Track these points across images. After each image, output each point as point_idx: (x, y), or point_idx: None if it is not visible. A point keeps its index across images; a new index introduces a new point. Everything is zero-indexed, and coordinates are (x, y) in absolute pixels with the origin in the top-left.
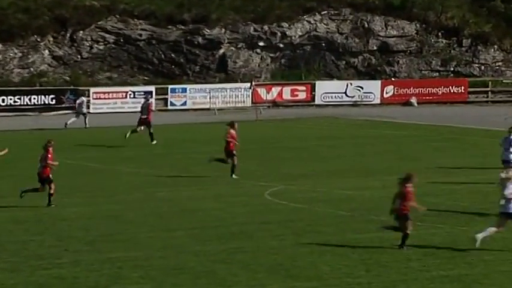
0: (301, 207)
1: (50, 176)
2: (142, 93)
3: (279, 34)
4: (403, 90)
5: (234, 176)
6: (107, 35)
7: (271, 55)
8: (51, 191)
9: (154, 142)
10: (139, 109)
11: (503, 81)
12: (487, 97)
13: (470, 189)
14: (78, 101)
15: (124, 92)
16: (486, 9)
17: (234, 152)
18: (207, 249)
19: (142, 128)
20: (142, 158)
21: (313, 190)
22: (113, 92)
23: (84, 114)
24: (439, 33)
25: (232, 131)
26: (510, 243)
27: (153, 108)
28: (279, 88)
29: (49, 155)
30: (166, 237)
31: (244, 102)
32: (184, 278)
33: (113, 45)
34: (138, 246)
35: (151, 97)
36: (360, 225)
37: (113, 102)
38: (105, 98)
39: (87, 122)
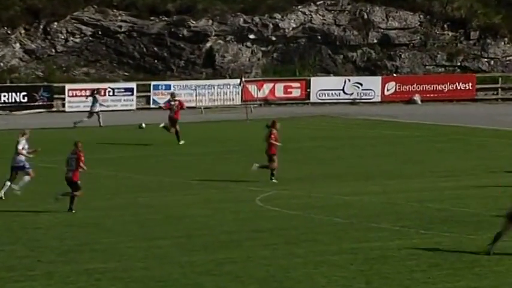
0: (295, 214)
1: (79, 182)
2: (123, 90)
3: (271, 26)
4: (405, 87)
5: (274, 180)
6: (83, 27)
7: (263, 49)
8: (78, 193)
9: (182, 142)
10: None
11: None
12: (497, 94)
13: (479, 194)
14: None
15: (102, 88)
16: None
17: (276, 155)
18: (192, 260)
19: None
20: (122, 160)
21: (308, 195)
22: (90, 89)
23: (97, 113)
24: (445, 25)
25: (275, 132)
26: None
27: (184, 106)
28: (271, 85)
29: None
30: (148, 246)
31: (233, 100)
32: None
33: (90, 38)
34: (118, 257)
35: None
36: (358, 233)
37: (90, 100)
38: (82, 96)
39: (101, 121)
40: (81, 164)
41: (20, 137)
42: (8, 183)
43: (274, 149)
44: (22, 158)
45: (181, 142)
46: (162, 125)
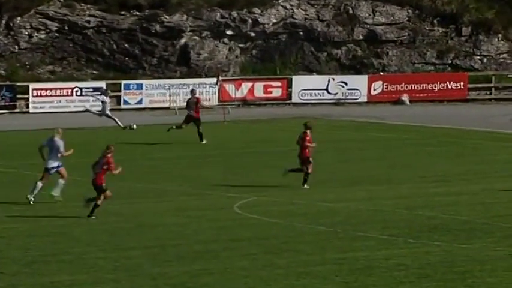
0: (275, 222)
1: (103, 184)
2: (91, 89)
3: (249, 21)
4: (393, 87)
5: (306, 186)
6: (48, 22)
7: (241, 46)
8: (98, 202)
9: (204, 142)
10: (184, 104)
11: (509, 76)
12: (490, 94)
13: (471, 201)
14: (101, 100)
15: (69, 88)
16: None
17: (311, 158)
18: (165, 272)
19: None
20: (88, 165)
21: (289, 202)
22: (56, 89)
23: (107, 115)
24: (435, 21)
25: (310, 134)
26: None
27: (204, 104)
28: (249, 84)
29: (109, 161)
30: (118, 257)
31: (209, 100)
32: None
33: (56, 34)
34: (86, 268)
35: (197, 91)
36: (343, 242)
37: (57, 100)
38: (47, 96)
39: (118, 122)
40: (113, 172)
41: (54, 136)
42: (40, 184)
43: (309, 152)
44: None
45: (204, 141)
46: (173, 127)
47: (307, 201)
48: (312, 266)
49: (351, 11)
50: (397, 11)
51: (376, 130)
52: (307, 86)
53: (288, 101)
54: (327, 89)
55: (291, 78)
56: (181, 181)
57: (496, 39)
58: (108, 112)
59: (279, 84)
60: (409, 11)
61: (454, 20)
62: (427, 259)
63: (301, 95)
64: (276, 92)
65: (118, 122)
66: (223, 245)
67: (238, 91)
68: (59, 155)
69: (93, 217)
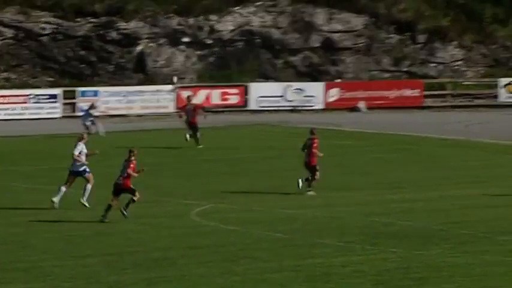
0: (233, 229)
1: (131, 186)
2: (47, 96)
3: (206, 28)
4: (350, 94)
5: (310, 192)
6: (3, 29)
7: (198, 53)
8: (135, 198)
9: (201, 146)
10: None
11: (464, 83)
12: (446, 101)
13: (427, 207)
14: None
15: (24, 95)
16: (443, 0)
17: (318, 166)
18: (122, 279)
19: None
20: (42, 173)
21: (247, 209)
22: (11, 96)
23: (91, 121)
24: (391, 28)
25: (317, 141)
26: (473, 269)
27: (201, 113)
28: (206, 91)
29: (131, 165)
30: (75, 265)
31: (166, 107)
32: None
33: (11, 41)
34: (42, 277)
35: (193, 97)
36: (301, 249)
37: (11, 107)
38: (2, 103)
39: (95, 128)
40: (129, 171)
41: (77, 141)
42: (64, 188)
43: (316, 160)
44: (82, 161)
45: (200, 146)
46: (187, 136)
47: (265, 208)
48: (269, 273)
49: (307, 19)
50: (353, 18)
51: (333, 137)
52: (264, 93)
53: (245, 108)
54: (283, 96)
55: (248, 86)
56: (139, 188)
57: (451, 47)
58: (87, 122)
59: (236, 91)
60: (365, 18)
61: (409, 28)
62: (383, 266)
63: (258, 102)
64: (233, 99)
65: (91, 128)
66: (181, 253)
67: (196, 98)
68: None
69: (125, 214)
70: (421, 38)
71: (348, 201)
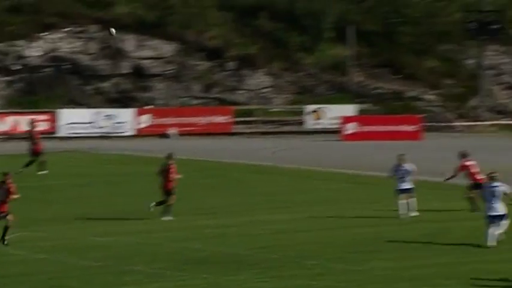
0: (42, 257)
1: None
2: None
3: (13, 54)
4: (161, 120)
5: (167, 217)
6: None
7: (5, 79)
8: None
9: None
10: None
11: (272, 109)
12: (255, 128)
13: (238, 232)
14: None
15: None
16: (251, 29)
17: (173, 190)
18: None
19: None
20: None
21: (59, 237)
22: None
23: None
24: (200, 55)
25: (174, 165)
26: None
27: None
28: (15, 118)
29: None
30: None
31: None
32: None
33: None
34: None
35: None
36: (111, 277)
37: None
38: None
39: None
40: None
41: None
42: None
43: (173, 184)
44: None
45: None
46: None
47: (77, 236)
48: None
49: (117, 45)
50: (163, 45)
51: (144, 164)
52: (73, 119)
53: (55, 135)
54: (93, 123)
55: (57, 112)
56: None
57: (259, 74)
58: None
59: (45, 117)
60: (175, 45)
61: (218, 55)
62: None
63: (68, 129)
64: (43, 126)
65: None
66: None
67: (3, 124)
68: None
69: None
70: (230, 65)
71: (160, 228)
